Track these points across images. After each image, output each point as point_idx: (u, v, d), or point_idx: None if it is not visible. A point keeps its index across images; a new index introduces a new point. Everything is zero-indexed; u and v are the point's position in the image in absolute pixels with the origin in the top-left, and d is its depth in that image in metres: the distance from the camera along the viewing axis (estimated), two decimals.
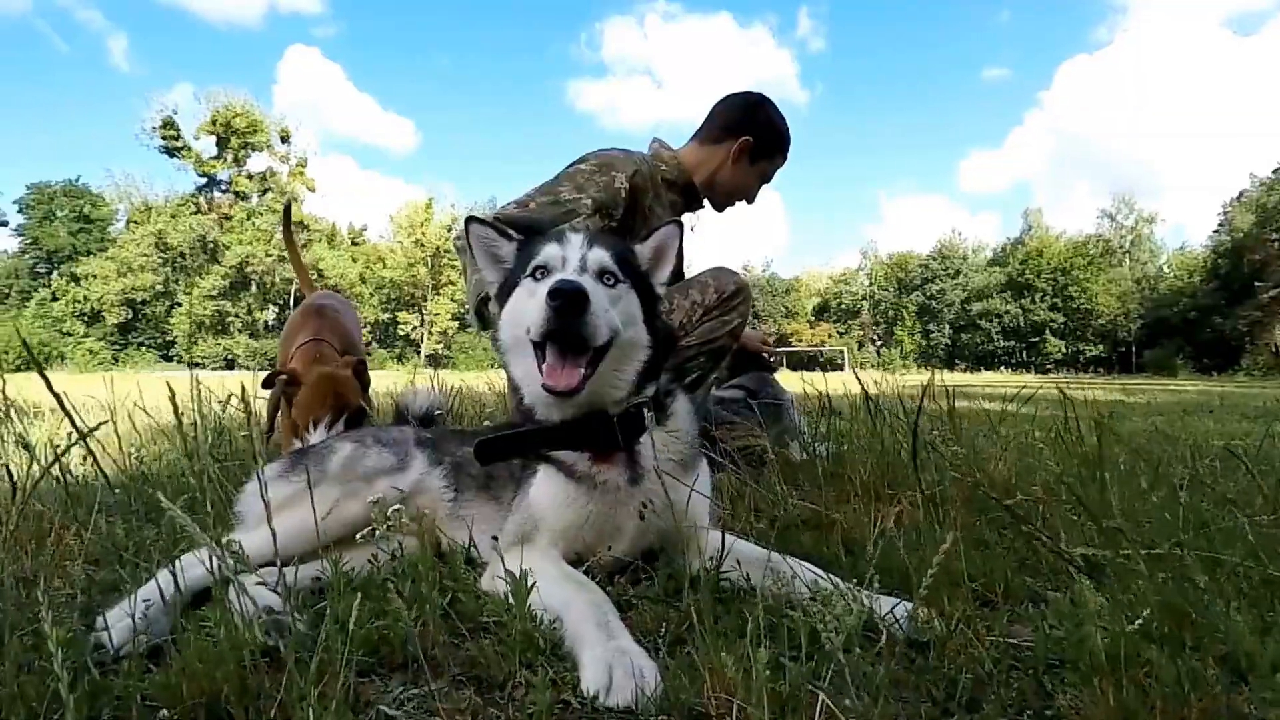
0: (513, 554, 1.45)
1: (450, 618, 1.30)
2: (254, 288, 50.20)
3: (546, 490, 1.51)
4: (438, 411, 2.33)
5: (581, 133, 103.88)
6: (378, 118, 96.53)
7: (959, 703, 0.97)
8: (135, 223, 49.00)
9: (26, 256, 50.31)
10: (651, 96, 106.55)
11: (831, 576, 1.31)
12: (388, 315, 54.90)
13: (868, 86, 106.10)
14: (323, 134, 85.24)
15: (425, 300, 56.34)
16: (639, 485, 1.50)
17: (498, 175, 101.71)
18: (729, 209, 2.68)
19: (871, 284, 65.53)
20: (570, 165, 2.34)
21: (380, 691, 1.11)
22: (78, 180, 52.01)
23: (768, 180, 2.70)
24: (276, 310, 51.00)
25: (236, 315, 49.28)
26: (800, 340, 63.14)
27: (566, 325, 1.32)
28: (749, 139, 2.56)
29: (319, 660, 0.99)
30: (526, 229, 1.80)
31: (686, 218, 2.70)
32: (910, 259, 63.96)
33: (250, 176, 50.39)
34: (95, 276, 46.44)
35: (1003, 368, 51.20)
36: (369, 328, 52.36)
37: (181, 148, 48.15)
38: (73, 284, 46.97)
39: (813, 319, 67.37)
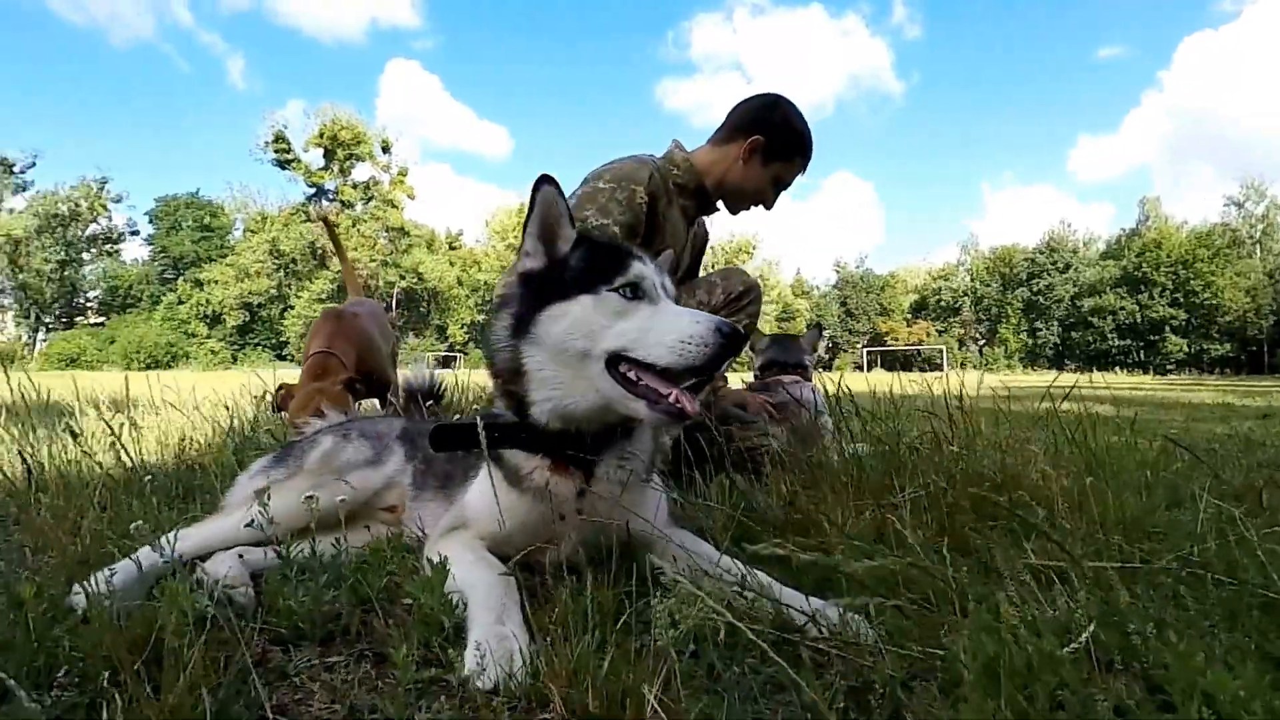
0: (442, 540, 1.49)
1: (387, 600, 1.34)
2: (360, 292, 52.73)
3: (482, 493, 1.53)
4: (440, 388, 2.43)
5: (671, 132, 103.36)
6: (473, 126, 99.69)
7: (832, 707, 0.92)
8: (251, 231, 52.40)
9: (155, 264, 54.58)
10: (741, 92, 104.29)
11: (768, 580, 1.29)
12: (484, 316, 56.54)
13: (968, 73, 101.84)
14: (422, 143, 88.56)
15: None
16: (583, 498, 1.49)
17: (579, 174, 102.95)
18: (743, 211, 2.61)
19: (973, 280, 62.85)
20: (586, 181, 2.33)
21: (285, 659, 1.16)
22: (198, 193, 56.09)
23: (784, 185, 2.60)
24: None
25: None
26: (896, 339, 61.31)
27: (721, 363, 1.36)
28: (759, 138, 2.49)
29: (239, 626, 1.04)
30: None
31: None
32: (1015, 253, 60.99)
33: (355, 186, 52.93)
34: (216, 282, 49.91)
35: (1117, 368, 48.14)
36: (465, 329, 54.13)
37: (292, 160, 51.12)
38: (196, 289, 50.64)
39: (910, 317, 65.26)
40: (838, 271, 70.18)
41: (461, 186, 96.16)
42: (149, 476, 2.33)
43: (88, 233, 52.78)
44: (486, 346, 1.60)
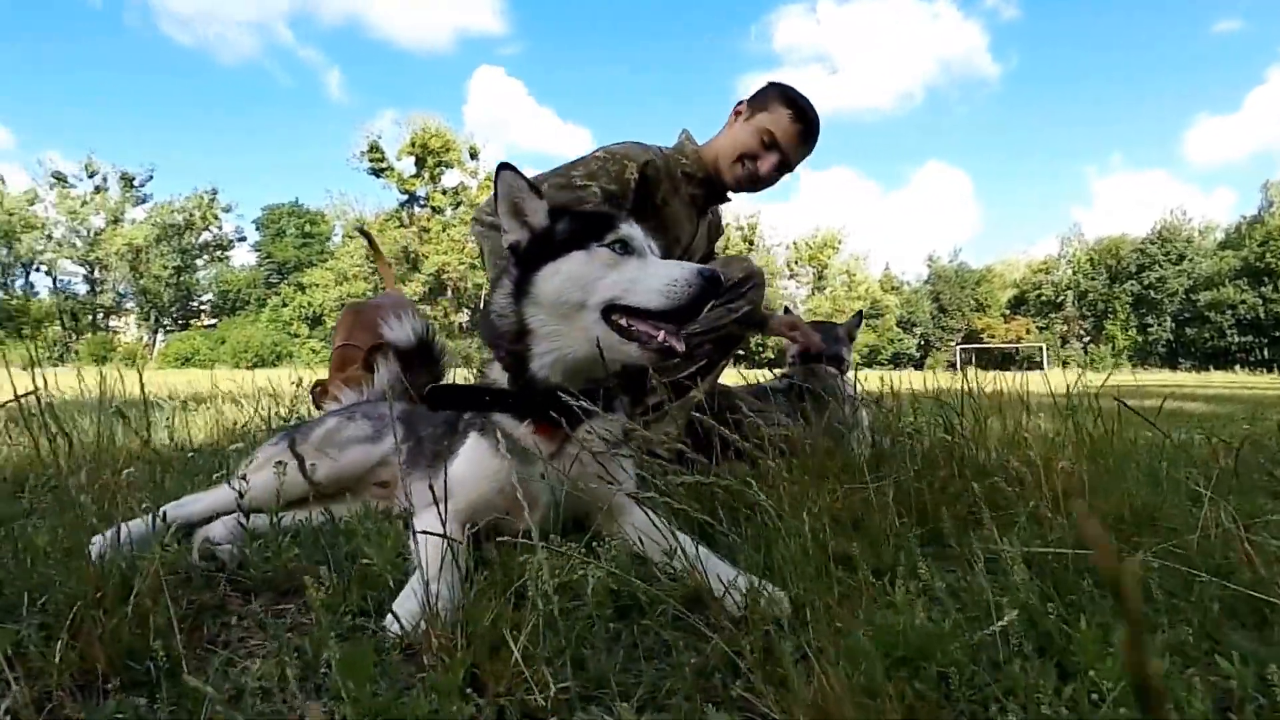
0: (423, 511, 1.57)
1: (349, 561, 1.43)
2: (449, 293, 54.48)
3: (466, 463, 1.61)
4: (425, 338, 2.42)
5: None
6: (558, 129, 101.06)
7: (698, 669, 0.93)
8: (349, 236, 54.92)
9: (262, 269, 57.98)
10: (826, 84, 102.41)
11: (705, 553, 1.31)
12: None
13: (1071, 53, 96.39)
14: (508, 147, 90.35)
15: None
16: (557, 460, 1.56)
17: None
18: (743, 181, 2.53)
19: (1076, 273, 59.68)
20: (587, 153, 2.40)
21: (243, 604, 1.26)
22: (298, 202, 59.27)
23: (773, 145, 2.45)
24: (469, 313, 55.09)
25: (434, 318, 53.80)
26: (993, 336, 58.89)
27: (703, 304, 1.51)
28: (741, 101, 2.50)
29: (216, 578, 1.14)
30: None
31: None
32: (1123, 243, 57.55)
33: (444, 192, 54.70)
34: (316, 285, 52.55)
35: (1238, 367, 44.79)
36: None
37: (385, 168, 53.23)
38: (298, 292, 53.47)
39: (1007, 313, 62.57)
40: (930, 266, 68.03)
41: None
42: (191, 453, 2.52)
43: (200, 240, 56.52)
44: (486, 320, 1.72)
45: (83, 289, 53.73)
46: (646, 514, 1.50)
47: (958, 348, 54.90)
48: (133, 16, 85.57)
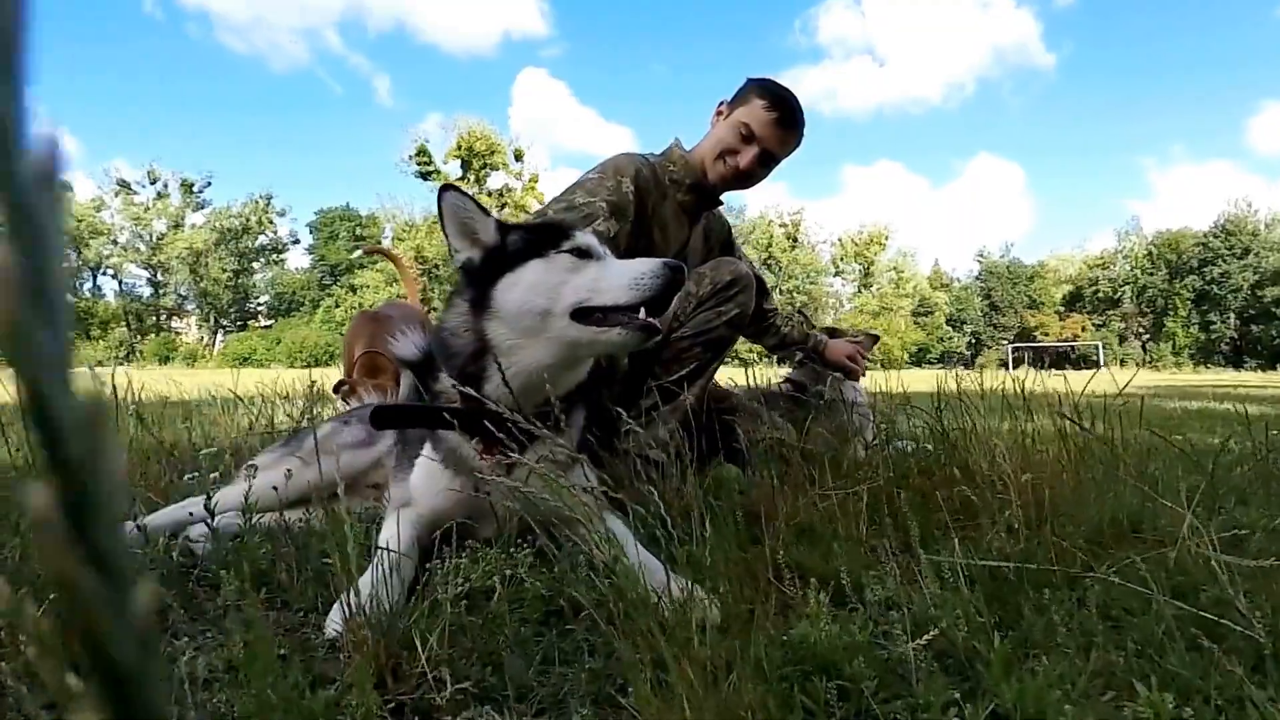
0: (389, 515, 1.61)
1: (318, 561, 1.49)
2: None
3: (420, 474, 1.65)
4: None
5: None
6: (600, 129, 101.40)
7: (594, 674, 0.96)
8: (399, 239, 56.02)
9: (315, 271, 59.52)
10: (874, 77, 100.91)
11: (646, 559, 1.34)
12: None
13: (1128, 41, 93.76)
14: (552, 149, 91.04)
15: None
16: (510, 475, 1.57)
17: None
18: (728, 179, 2.51)
19: (1134, 268, 57.69)
20: (582, 175, 2.42)
21: (208, 598, 1.33)
22: (349, 206, 60.72)
23: (751, 138, 2.41)
24: None
25: None
26: (1047, 334, 57.31)
27: (671, 293, 1.54)
28: (724, 101, 2.50)
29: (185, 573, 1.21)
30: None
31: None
32: (1184, 237, 55.45)
33: (490, 194, 55.38)
34: (368, 287, 53.73)
35: None
36: None
37: (432, 171, 54.06)
38: (350, 293, 54.73)
39: (1062, 310, 60.83)
40: (980, 261, 66.44)
41: None
42: (205, 450, 2.63)
43: (257, 244, 58.27)
44: (440, 342, 1.71)
45: (146, 291, 55.87)
46: (605, 523, 1.53)
47: (1009, 346, 53.51)
48: (192, 26, 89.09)
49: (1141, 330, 56.92)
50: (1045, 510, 1.60)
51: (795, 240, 63.99)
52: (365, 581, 1.24)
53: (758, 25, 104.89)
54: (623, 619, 1.09)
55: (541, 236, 1.61)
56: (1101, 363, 48.76)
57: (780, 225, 64.25)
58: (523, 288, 1.56)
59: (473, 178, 54.63)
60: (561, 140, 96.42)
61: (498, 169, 54.81)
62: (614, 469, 1.99)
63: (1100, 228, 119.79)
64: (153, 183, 54.85)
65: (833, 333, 3.46)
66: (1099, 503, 1.70)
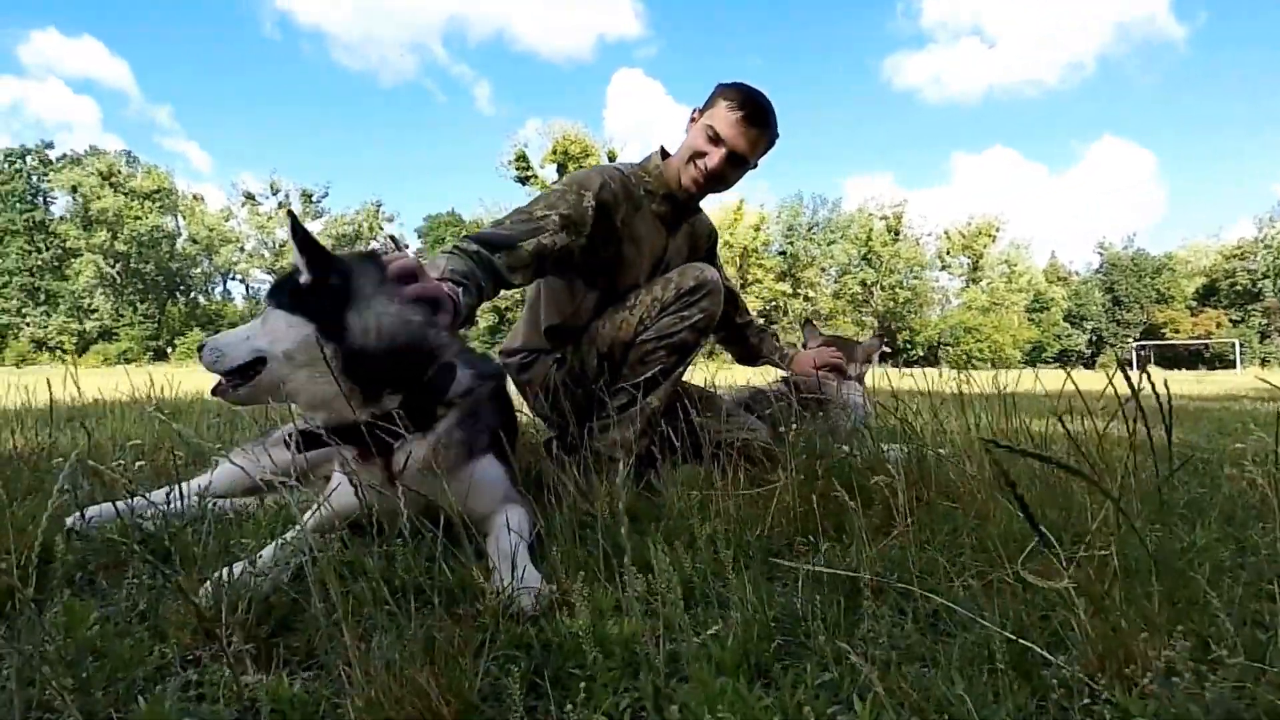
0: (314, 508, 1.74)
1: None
2: None
3: (334, 476, 1.75)
4: None
5: (901, 111, 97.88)
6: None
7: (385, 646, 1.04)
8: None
9: None
10: (982, 59, 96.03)
11: (516, 557, 1.40)
12: None
13: (1267, 8, 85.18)
14: (646, 149, 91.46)
15: None
16: (394, 485, 1.60)
17: (811, 166, 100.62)
18: (698, 182, 2.49)
19: (1277, 258, 52.84)
20: (552, 185, 2.50)
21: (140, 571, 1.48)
22: (454, 211, 63.32)
23: (721, 140, 2.41)
24: None
25: None
26: (1177, 331, 53.35)
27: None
28: (695, 108, 2.51)
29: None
30: (500, 244, 2.05)
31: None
32: None
33: None
34: None
35: None
36: None
37: (530, 175, 55.52)
38: None
39: (1194, 305, 56.47)
40: (1101, 253, 62.52)
41: None
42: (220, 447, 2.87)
43: (369, 249, 61.75)
44: None
45: None
46: (502, 514, 1.62)
47: (1134, 344, 50.05)
48: (308, 46, 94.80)
49: None
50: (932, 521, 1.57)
51: (897, 233, 62.00)
52: (266, 553, 1.38)
53: (856, 10, 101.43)
54: (444, 601, 1.18)
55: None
56: (1239, 362, 44.96)
57: (881, 218, 62.41)
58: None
59: None
60: (657, 139, 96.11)
61: None
62: (570, 469, 2.07)
63: (1238, 215, 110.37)
64: (275, 193, 58.87)
65: (831, 341, 3.45)
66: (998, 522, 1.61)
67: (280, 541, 1.44)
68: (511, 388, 2.44)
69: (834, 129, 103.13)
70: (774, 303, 61.22)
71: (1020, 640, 0.94)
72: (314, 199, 59.22)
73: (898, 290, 60.90)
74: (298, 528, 1.41)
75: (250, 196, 58.71)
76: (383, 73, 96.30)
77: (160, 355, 50.96)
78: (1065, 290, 61.16)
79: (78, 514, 1.75)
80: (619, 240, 2.44)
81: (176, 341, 51.69)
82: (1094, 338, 58.79)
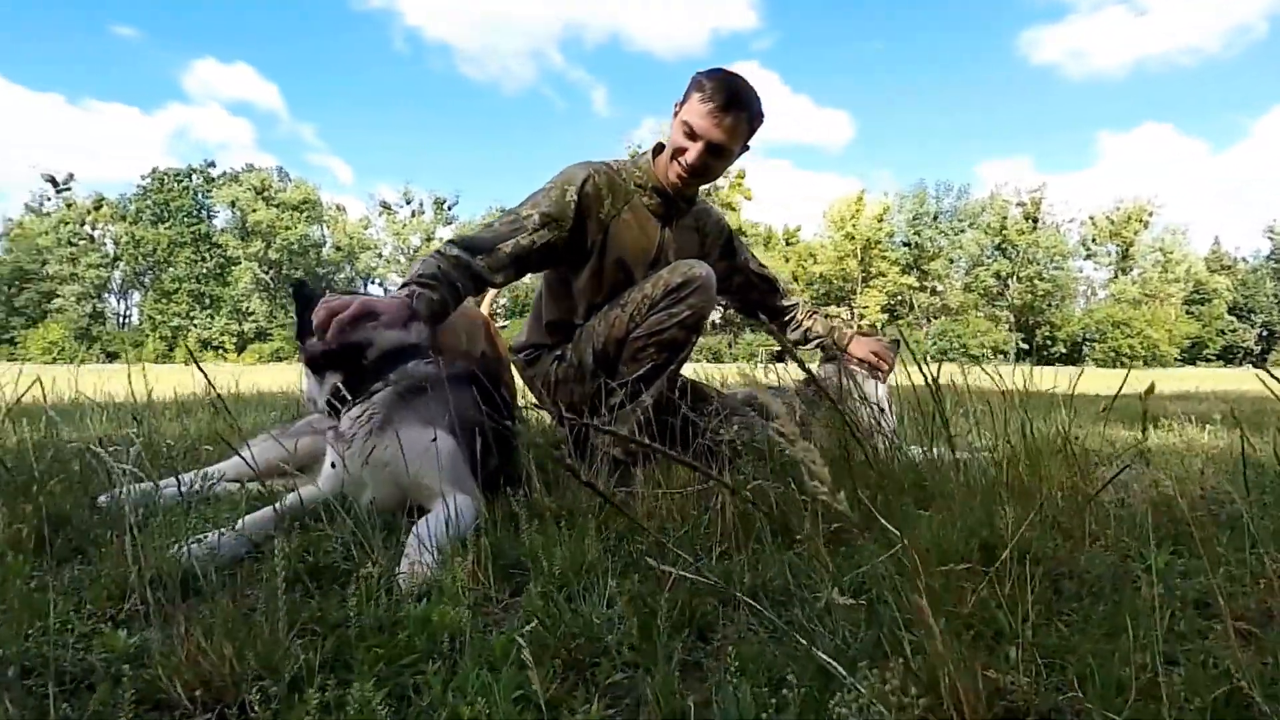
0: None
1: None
2: None
3: (326, 460, 1.94)
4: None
5: (1039, 90, 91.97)
6: (813, 116, 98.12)
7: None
8: None
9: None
10: (1130, 29, 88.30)
11: (440, 537, 1.47)
12: None
13: None
14: (760, 142, 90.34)
15: (854, 293, 56.62)
16: (345, 445, 1.81)
17: (941, 152, 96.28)
18: (685, 174, 2.48)
19: None
20: (543, 184, 2.58)
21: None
22: None
23: (696, 135, 2.40)
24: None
25: None
26: None
27: None
28: (677, 101, 2.50)
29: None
30: (479, 248, 2.20)
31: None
32: None
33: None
34: None
35: None
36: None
37: None
38: None
39: None
40: (1271, 239, 56.40)
41: (802, 181, 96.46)
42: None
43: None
44: None
45: None
46: (449, 498, 1.70)
47: None
48: (435, 59, 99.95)
49: None
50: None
51: (1035, 220, 58.45)
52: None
53: None
54: (339, 580, 1.27)
55: None
56: None
57: (1017, 204, 58.99)
58: None
59: None
60: (773, 132, 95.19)
61: None
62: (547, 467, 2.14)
63: None
64: (408, 202, 62.62)
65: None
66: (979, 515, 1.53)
67: (242, 523, 1.58)
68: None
69: (965, 112, 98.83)
70: (899, 296, 59.08)
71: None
72: (445, 206, 62.42)
73: (1036, 282, 57.36)
74: (245, 517, 1.57)
75: (386, 206, 62.70)
76: (505, 82, 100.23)
77: None
78: (1230, 280, 55.86)
79: (109, 493, 1.96)
80: (605, 232, 2.48)
81: None
82: (1264, 332, 53.15)
